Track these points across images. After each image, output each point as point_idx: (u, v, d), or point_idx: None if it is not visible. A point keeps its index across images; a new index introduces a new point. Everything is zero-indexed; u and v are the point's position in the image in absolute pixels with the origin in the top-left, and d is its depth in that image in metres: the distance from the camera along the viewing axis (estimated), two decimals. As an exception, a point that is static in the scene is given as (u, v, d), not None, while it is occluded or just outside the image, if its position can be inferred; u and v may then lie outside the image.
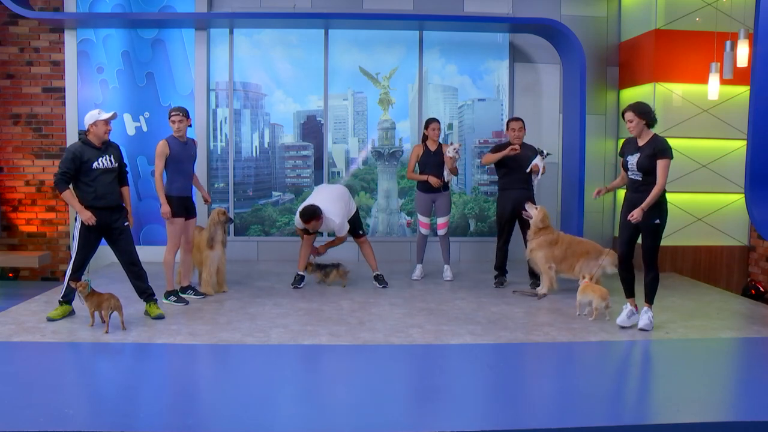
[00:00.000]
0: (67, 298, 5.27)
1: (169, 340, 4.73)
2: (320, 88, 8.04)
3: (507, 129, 6.61)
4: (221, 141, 8.06)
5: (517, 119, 6.57)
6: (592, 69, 7.95)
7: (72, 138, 7.67)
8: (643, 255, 5.07)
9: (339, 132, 8.14)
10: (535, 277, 6.43)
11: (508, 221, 6.53)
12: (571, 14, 8.03)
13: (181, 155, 5.76)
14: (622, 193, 8.13)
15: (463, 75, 8.14)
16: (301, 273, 6.53)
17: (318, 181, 8.07)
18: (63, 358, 4.49)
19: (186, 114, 5.77)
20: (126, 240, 5.25)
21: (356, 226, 6.57)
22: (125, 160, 5.48)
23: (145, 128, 7.85)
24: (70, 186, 5.10)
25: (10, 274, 7.90)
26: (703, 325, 5.30)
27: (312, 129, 8.12)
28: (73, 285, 5.01)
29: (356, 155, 8.18)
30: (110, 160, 5.16)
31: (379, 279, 6.59)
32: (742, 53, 6.01)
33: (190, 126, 6.07)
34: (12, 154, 7.92)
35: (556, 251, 6.13)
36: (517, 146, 6.39)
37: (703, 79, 7.01)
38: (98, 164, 5.09)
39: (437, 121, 6.76)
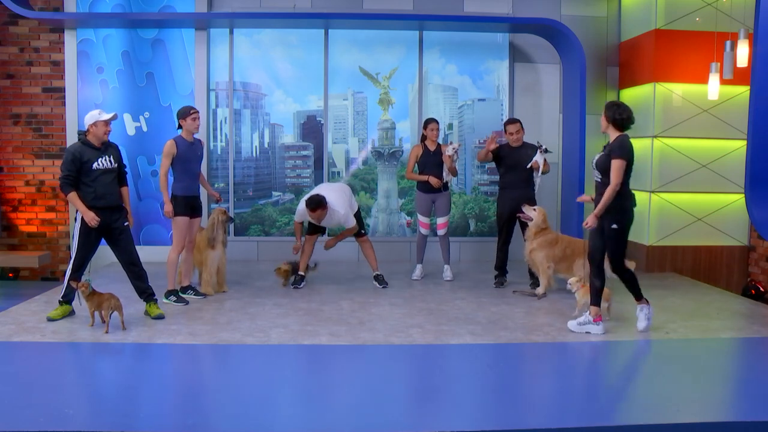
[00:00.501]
0: (67, 298, 5.27)
1: (169, 340, 4.73)
2: (320, 88, 8.04)
3: (505, 132, 6.57)
4: (221, 141, 8.06)
5: (514, 122, 6.50)
6: (592, 69, 7.95)
7: (72, 138, 7.67)
8: (609, 262, 4.95)
9: (339, 132, 8.14)
10: (534, 277, 6.42)
11: (507, 221, 6.52)
12: (571, 14, 8.03)
13: (188, 155, 5.77)
14: (622, 193, 8.16)
15: (463, 75, 8.14)
16: (302, 273, 6.53)
17: (318, 181, 8.07)
18: (63, 358, 4.49)
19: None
20: (126, 240, 5.26)
21: (358, 225, 6.57)
22: (125, 160, 5.50)
23: (145, 128, 7.85)
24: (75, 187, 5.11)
25: (10, 274, 7.90)
26: (703, 325, 5.30)
27: (312, 129, 8.12)
28: (74, 285, 5.01)
29: (356, 155, 8.18)
30: (110, 161, 5.16)
31: (379, 279, 6.59)
32: (742, 53, 6.01)
33: None
34: (12, 154, 7.92)
35: (556, 251, 6.13)
36: (495, 136, 6.45)
37: (703, 79, 7.01)
38: (98, 165, 5.09)
39: (436, 121, 6.75)
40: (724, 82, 6.79)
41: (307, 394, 3.84)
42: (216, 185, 8.02)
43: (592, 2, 8.11)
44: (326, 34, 7.99)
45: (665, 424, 3.38)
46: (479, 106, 8.16)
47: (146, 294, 5.33)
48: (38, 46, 7.84)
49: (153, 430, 3.23)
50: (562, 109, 8.02)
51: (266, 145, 8.11)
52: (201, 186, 6.04)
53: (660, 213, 7.46)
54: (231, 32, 7.92)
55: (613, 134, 4.92)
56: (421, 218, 6.89)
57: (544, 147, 6.35)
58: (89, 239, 5.16)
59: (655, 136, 7.36)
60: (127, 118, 7.80)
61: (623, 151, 4.79)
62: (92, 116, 5.10)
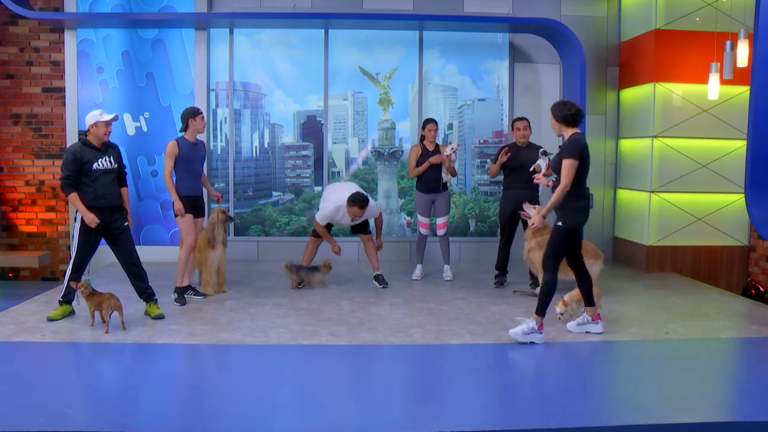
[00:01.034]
0: (67, 298, 5.27)
1: (169, 340, 4.73)
2: (320, 88, 8.04)
3: (512, 129, 6.61)
4: (221, 141, 8.06)
5: (522, 118, 6.57)
6: (592, 69, 7.95)
7: (72, 138, 7.67)
8: (543, 255, 4.83)
9: (339, 132, 8.14)
10: (534, 277, 6.42)
11: (509, 221, 6.53)
12: (571, 14, 8.03)
13: (191, 155, 5.78)
14: (622, 193, 8.17)
15: (463, 75, 8.14)
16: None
17: (318, 181, 8.07)
18: (63, 358, 4.49)
19: None
20: (126, 240, 5.26)
21: (365, 222, 6.58)
22: (125, 161, 5.50)
23: (145, 128, 7.85)
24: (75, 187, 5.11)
25: (10, 274, 7.90)
26: (703, 325, 5.30)
27: (312, 129, 8.12)
28: (74, 285, 5.02)
29: (356, 155, 8.18)
30: (110, 161, 5.16)
31: (379, 279, 6.59)
32: (742, 53, 6.01)
33: None
34: (12, 154, 7.92)
35: (556, 251, 6.12)
36: (507, 148, 6.44)
37: (703, 79, 7.01)
38: (98, 165, 5.09)
39: (434, 122, 6.75)
40: (724, 82, 6.79)
41: (307, 394, 3.84)
42: (216, 185, 8.02)
43: (592, 2, 8.11)
44: (326, 34, 7.99)
45: (665, 424, 3.38)
46: (479, 106, 8.16)
47: (146, 294, 5.33)
48: (38, 46, 7.84)
49: (153, 430, 3.23)
50: (562, 109, 8.01)
51: (266, 145, 8.11)
52: (203, 186, 6.05)
53: (660, 213, 7.47)
54: (231, 32, 7.92)
55: (567, 133, 4.79)
56: (421, 218, 6.89)
57: (542, 149, 6.37)
58: (89, 239, 5.16)
59: (655, 136, 7.36)
60: (127, 118, 7.79)
61: (574, 150, 4.64)
62: (93, 116, 5.10)
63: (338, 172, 8.15)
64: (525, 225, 6.43)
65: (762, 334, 5.06)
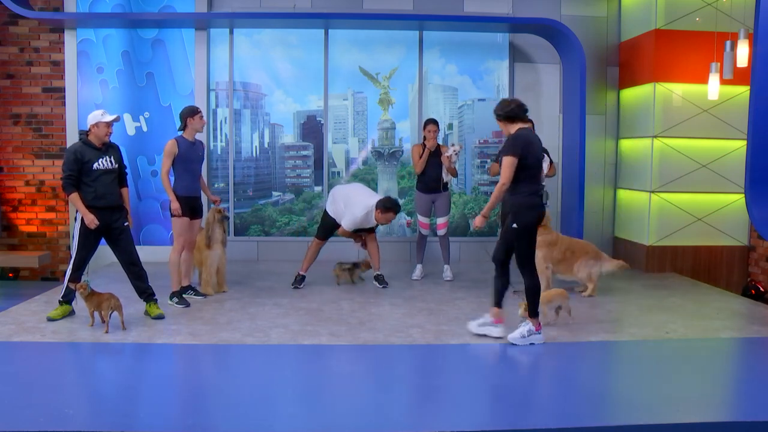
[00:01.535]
0: (67, 298, 5.27)
1: (169, 340, 4.73)
2: (320, 88, 8.04)
3: None
4: (221, 141, 8.06)
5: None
6: (592, 69, 7.95)
7: (72, 138, 7.68)
8: (516, 259, 4.71)
9: (339, 132, 8.14)
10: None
11: None
12: (571, 14, 8.03)
13: (190, 155, 5.76)
14: (622, 193, 8.17)
15: (463, 75, 8.14)
16: (303, 273, 6.53)
17: (318, 181, 8.08)
18: (63, 358, 4.49)
19: None
20: (126, 240, 5.26)
21: None
22: (125, 161, 5.49)
23: (145, 128, 7.85)
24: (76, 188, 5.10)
25: (10, 274, 7.90)
26: (703, 325, 5.30)
27: (312, 129, 8.12)
28: (72, 287, 5.01)
29: (356, 155, 8.18)
30: (110, 161, 5.17)
31: (379, 279, 6.59)
32: (742, 53, 6.01)
33: None
34: (12, 154, 7.92)
35: (555, 252, 6.13)
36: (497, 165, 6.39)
37: (703, 79, 7.01)
38: (98, 165, 5.09)
39: (434, 123, 6.74)
40: (724, 82, 6.79)
41: (307, 394, 3.84)
42: (216, 185, 8.02)
43: (592, 2, 8.11)
44: (326, 34, 7.99)
45: (665, 424, 3.38)
46: (479, 106, 8.16)
47: (146, 294, 5.33)
48: (38, 46, 7.84)
49: (153, 430, 3.23)
50: (562, 109, 8.02)
51: (266, 145, 8.11)
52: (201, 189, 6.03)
53: (660, 213, 7.46)
54: (231, 32, 7.92)
55: (513, 130, 4.67)
56: (421, 218, 6.89)
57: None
58: (89, 239, 5.16)
59: (655, 136, 7.36)
60: (127, 118, 7.79)
61: (513, 146, 4.54)
62: (95, 116, 5.10)
63: (338, 172, 8.15)
64: None
65: (762, 334, 5.06)
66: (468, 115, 8.16)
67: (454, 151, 6.62)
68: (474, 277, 7.15)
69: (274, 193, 8.13)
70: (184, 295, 5.84)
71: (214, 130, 8.05)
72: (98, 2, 7.67)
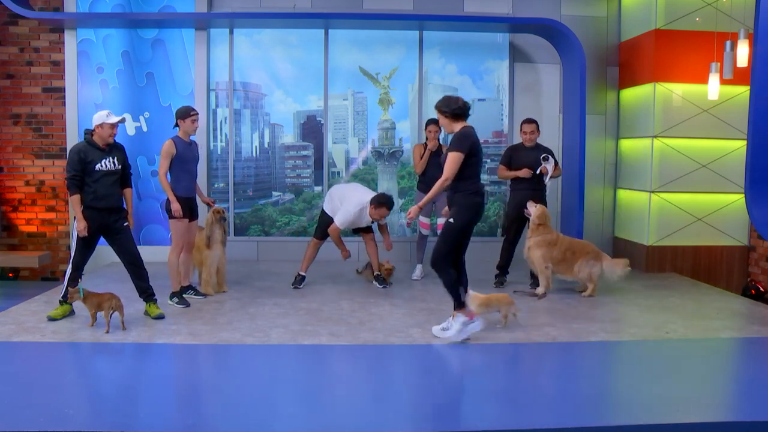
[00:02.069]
0: (67, 298, 5.27)
1: (169, 340, 4.73)
2: (320, 88, 8.04)
3: (520, 130, 6.57)
4: (221, 141, 8.06)
5: (531, 122, 6.52)
6: (592, 69, 7.95)
7: (72, 138, 7.68)
8: (433, 253, 4.69)
9: (339, 132, 8.14)
10: (535, 277, 6.42)
11: (515, 220, 6.52)
12: (571, 14, 8.03)
13: (187, 155, 5.75)
14: (622, 193, 8.17)
15: (463, 75, 8.14)
16: (303, 273, 6.53)
17: (318, 181, 8.07)
18: (63, 358, 4.49)
19: None
20: (125, 240, 5.25)
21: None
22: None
23: (145, 128, 7.85)
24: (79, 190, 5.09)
25: (10, 274, 7.90)
26: (703, 325, 5.30)
27: (312, 129, 8.12)
28: (70, 290, 5.02)
29: (356, 155, 8.18)
30: (113, 162, 5.16)
31: (379, 279, 6.59)
32: (742, 53, 6.01)
33: None
34: (12, 154, 7.92)
35: (555, 252, 6.13)
36: (529, 171, 6.36)
37: (703, 79, 7.01)
38: (101, 166, 5.09)
39: (435, 123, 6.74)
40: (724, 82, 6.79)
41: (307, 394, 3.84)
42: (216, 185, 8.03)
43: (592, 2, 8.11)
44: (326, 34, 7.99)
45: (665, 424, 3.38)
46: (479, 106, 8.16)
47: (146, 294, 5.32)
48: (38, 46, 7.84)
49: (153, 430, 3.23)
50: (562, 109, 8.02)
51: (266, 145, 8.11)
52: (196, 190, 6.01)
53: (660, 213, 7.47)
54: (231, 32, 7.92)
55: (457, 128, 4.70)
56: (422, 218, 6.89)
57: (544, 155, 6.38)
58: (87, 239, 5.16)
59: (655, 136, 7.36)
60: (127, 118, 7.79)
61: (462, 143, 4.57)
62: (100, 117, 5.09)
63: (338, 172, 8.15)
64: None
65: (762, 334, 5.06)
66: (468, 115, 8.15)
67: None
68: (474, 277, 7.06)
69: (274, 193, 8.13)
70: (184, 295, 5.84)
71: (214, 130, 8.05)
72: (98, 2, 7.67)
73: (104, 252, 5.66)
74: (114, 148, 5.20)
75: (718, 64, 6.73)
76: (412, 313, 5.57)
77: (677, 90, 7.37)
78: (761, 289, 7.25)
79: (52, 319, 5.16)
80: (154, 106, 7.84)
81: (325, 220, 6.46)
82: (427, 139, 6.76)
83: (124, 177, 5.30)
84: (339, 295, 6.22)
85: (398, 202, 8.18)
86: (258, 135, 8.10)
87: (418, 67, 8.07)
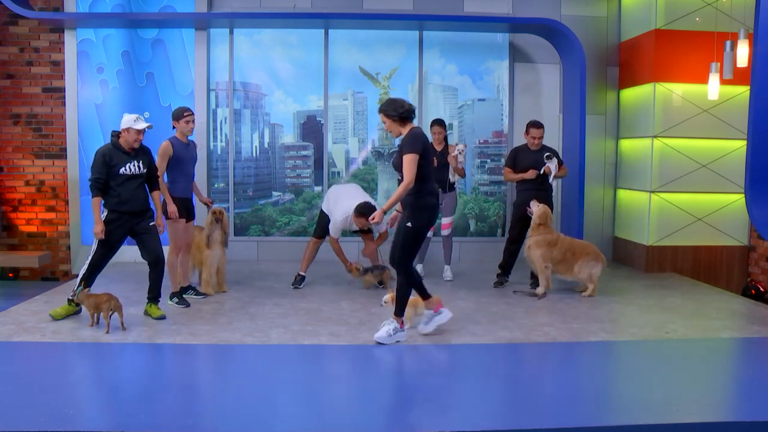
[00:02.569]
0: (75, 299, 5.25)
1: (169, 340, 4.73)
2: (320, 88, 8.04)
3: (526, 133, 6.51)
4: (221, 141, 8.06)
5: (538, 126, 6.42)
6: (592, 69, 7.95)
7: (72, 138, 7.69)
8: (392, 254, 4.70)
9: (339, 132, 8.14)
10: (535, 277, 6.42)
11: (519, 220, 6.52)
12: (571, 14, 8.03)
13: (184, 156, 5.75)
14: (622, 193, 8.17)
15: (463, 75, 8.14)
16: (302, 273, 6.53)
17: (318, 181, 8.07)
18: (63, 358, 4.49)
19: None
20: (149, 239, 5.22)
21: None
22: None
23: (145, 128, 7.85)
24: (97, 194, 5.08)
25: (10, 274, 7.90)
26: (703, 325, 5.31)
27: (312, 129, 8.12)
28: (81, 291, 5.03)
29: (356, 155, 8.18)
30: (138, 166, 5.15)
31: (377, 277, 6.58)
32: (742, 53, 6.01)
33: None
34: (12, 154, 7.92)
35: (555, 252, 6.13)
36: (534, 172, 6.34)
37: (703, 79, 7.01)
38: (125, 170, 5.08)
39: (440, 124, 6.74)
40: (724, 82, 6.79)
41: (307, 394, 3.84)
42: (216, 185, 8.03)
43: (592, 2, 8.11)
44: (326, 34, 7.99)
45: (665, 424, 3.38)
46: (479, 106, 8.16)
47: (152, 294, 5.32)
48: (38, 46, 7.84)
49: (153, 430, 3.23)
50: (562, 109, 8.02)
51: (266, 145, 8.11)
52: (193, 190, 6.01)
53: (660, 213, 7.47)
54: (231, 32, 7.92)
55: (405, 130, 4.65)
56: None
57: (547, 153, 6.38)
58: (110, 241, 5.14)
59: (655, 136, 7.36)
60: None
61: (415, 144, 4.52)
62: (127, 121, 5.08)
63: (338, 172, 8.15)
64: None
65: (762, 334, 5.06)
66: (468, 115, 8.16)
67: (459, 151, 6.63)
68: (474, 277, 7.15)
69: (274, 193, 8.13)
70: (184, 295, 5.84)
71: (214, 130, 8.05)
72: (98, 2, 7.67)
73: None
74: (140, 152, 5.19)
75: (718, 64, 6.73)
76: (412, 313, 5.57)
77: (677, 90, 7.37)
78: (761, 289, 7.25)
79: (53, 317, 5.16)
80: (154, 106, 7.84)
81: (324, 220, 6.47)
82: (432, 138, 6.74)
83: (151, 180, 5.29)
84: (339, 295, 6.22)
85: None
86: (258, 135, 8.10)
87: (418, 67, 8.07)
